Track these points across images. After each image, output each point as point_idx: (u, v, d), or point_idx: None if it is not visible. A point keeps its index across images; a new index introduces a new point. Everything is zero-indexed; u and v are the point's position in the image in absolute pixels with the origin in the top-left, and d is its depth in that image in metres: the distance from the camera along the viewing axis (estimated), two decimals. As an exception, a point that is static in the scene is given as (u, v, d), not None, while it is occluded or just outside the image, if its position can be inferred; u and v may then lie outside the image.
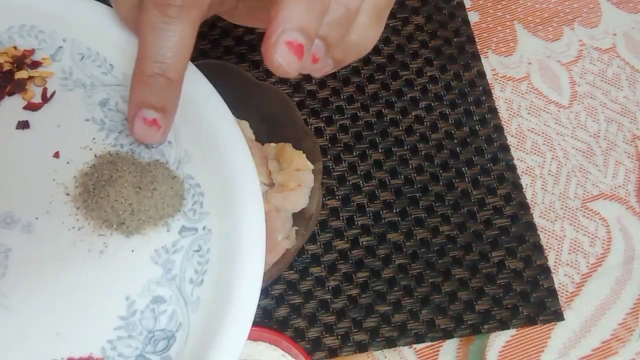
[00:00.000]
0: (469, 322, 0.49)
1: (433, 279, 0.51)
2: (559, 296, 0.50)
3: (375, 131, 0.55)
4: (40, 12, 0.34)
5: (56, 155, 0.34)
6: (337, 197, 0.53)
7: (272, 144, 0.51)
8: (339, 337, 0.49)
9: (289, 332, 0.49)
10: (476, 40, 0.59)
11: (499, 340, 0.49)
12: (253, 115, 0.53)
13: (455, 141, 0.55)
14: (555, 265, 0.52)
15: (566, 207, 0.54)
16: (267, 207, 0.48)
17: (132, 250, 0.33)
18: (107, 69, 0.34)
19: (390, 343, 0.49)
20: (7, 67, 0.33)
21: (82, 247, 0.32)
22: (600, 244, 0.53)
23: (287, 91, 0.56)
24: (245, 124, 0.53)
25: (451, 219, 0.53)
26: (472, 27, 0.60)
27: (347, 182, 0.54)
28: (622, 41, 0.60)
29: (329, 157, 0.54)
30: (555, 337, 0.50)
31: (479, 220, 0.53)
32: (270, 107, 0.51)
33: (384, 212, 0.53)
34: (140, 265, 0.32)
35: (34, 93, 0.34)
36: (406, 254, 0.51)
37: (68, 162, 0.34)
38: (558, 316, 0.50)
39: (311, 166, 0.49)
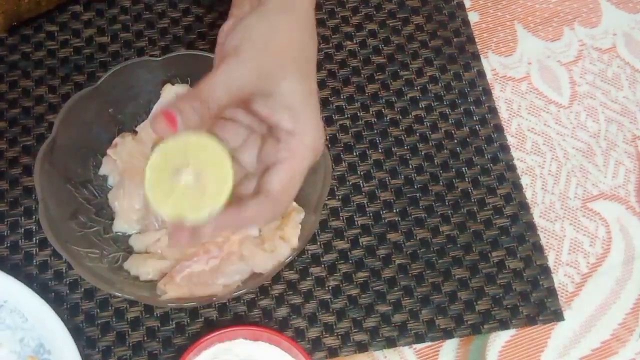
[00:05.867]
0: (469, 322, 0.49)
1: (433, 279, 0.51)
2: (559, 296, 0.50)
3: (375, 131, 0.55)
4: None
5: None
6: (337, 197, 0.53)
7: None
8: (339, 337, 0.49)
9: (289, 332, 0.49)
10: (476, 40, 0.59)
11: (499, 340, 0.49)
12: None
13: (455, 141, 0.55)
14: (555, 265, 0.52)
15: (566, 207, 0.54)
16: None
17: None
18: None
19: (390, 343, 0.49)
20: None
21: None
22: (600, 244, 0.53)
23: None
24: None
25: (451, 219, 0.53)
26: (472, 27, 0.60)
27: (347, 182, 0.54)
28: (622, 41, 0.60)
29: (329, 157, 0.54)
30: (555, 337, 0.50)
31: (479, 220, 0.53)
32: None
33: (384, 212, 0.53)
34: None
35: None
36: (406, 254, 0.51)
37: None
38: (558, 316, 0.50)
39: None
